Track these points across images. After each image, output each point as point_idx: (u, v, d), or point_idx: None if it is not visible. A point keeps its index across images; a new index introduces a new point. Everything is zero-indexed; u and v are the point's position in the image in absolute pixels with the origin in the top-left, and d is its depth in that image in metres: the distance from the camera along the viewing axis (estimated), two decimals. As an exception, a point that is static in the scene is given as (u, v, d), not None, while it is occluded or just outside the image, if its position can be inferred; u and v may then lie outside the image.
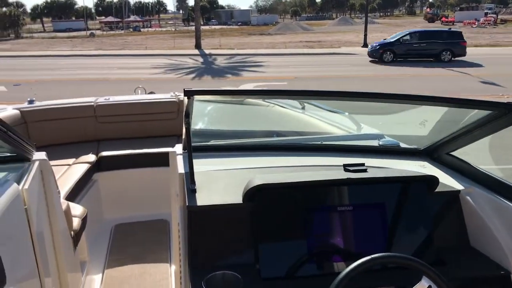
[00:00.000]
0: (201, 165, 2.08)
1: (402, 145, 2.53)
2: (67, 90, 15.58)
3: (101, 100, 4.71)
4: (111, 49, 34.56)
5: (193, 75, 19.54)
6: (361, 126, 3.20)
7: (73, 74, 19.86)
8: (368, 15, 35.92)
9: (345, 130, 3.25)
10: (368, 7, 35.96)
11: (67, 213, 2.70)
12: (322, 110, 3.78)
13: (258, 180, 1.75)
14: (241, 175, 2.00)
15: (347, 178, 1.79)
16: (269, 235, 1.71)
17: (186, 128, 1.94)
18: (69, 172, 3.77)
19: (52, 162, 4.00)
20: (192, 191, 1.85)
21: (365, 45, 31.34)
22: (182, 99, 4.74)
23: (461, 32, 22.96)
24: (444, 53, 22.04)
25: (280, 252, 1.69)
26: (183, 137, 2.14)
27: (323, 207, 1.76)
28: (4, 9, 59.48)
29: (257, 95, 2.99)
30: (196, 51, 30.76)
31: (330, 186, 1.79)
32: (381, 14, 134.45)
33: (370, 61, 22.94)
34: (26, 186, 1.98)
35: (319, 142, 2.61)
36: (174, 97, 4.85)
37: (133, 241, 3.84)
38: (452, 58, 22.12)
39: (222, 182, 1.97)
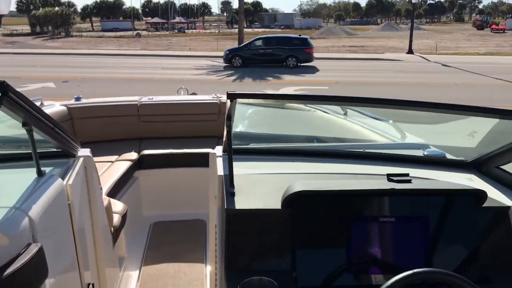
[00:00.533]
0: (240, 167, 2.07)
1: (448, 156, 2.44)
2: (112, 88, 16.02)
3: (145, 99, 4.80)
4: (156, 49, 35.31)
5: (234, 77, 19.67)
6: (405, 134, 3.10)
7: (118, 73, 20.39)
8: (414, 21, 35.18)
9: (388, 138, 3.16)
10: (414, 13, 35.21)
11: (108, 209, 2.75)
12: (365, 116, 3.69)
13: (298, 186, 1.72)
14: (280, 180, 1.97)
15: (391, 188, 1.73)
16: (308, 243, 1.67)
17: (227, 130, 1.93)
18: (111, 168, 3.86)
19: (95, 159, 4.09)
20: (231, 194, 1.84)
21: (410, 51, 30.72)
22: (223, 101, 4.76)
23: (307, 39, 23.03)
24: (289, 59, 22.16)
25: (318, 261, 1.65)
26: (224, 139, 2.14)
27: (364, 217, 1.71)
28: (56, 8, 61.79)
29: (300, 100, 2.94)
30: (239, 53, 30.96)
31: (372, 196, 1.74)
32: (428, 20, 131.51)
33: (225, 67, 22.89)
34: (70, 182, 2.02)
35: (361, 150, 2.54)
36: (215, 98, 4.88)
37: (170, 240, 3.88)
38: (298, 64, 22.21)
39: (261, 186, 1.95)
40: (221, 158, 2.21)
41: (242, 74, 20.46)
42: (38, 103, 4.11)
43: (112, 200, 3.03)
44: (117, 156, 4.17)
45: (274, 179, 2.03)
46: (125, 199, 3.67)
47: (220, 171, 2.03)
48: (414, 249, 1.69)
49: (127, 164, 3.95)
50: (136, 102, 4.72)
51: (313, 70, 21.88)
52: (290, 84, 16.95)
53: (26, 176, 1.93)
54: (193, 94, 5.58)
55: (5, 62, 23.74)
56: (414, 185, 1.78)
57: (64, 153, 2.24)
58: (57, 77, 18.58)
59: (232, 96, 1.76)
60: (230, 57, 22.78)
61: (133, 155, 4.17)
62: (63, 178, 2.01)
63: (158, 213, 4.25)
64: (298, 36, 23.92)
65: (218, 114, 4.77)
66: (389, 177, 1.84)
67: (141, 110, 4.68)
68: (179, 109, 4.77)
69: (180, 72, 20.64)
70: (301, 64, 22.52)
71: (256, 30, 75.56)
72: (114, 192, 3.49)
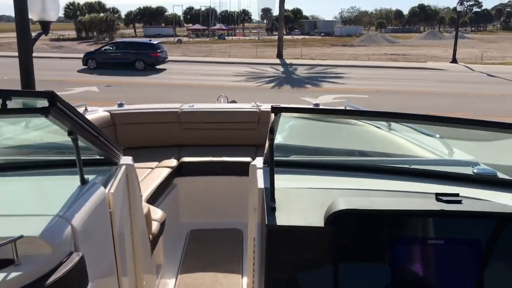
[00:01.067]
0: (280, 180, 2.01)
1: (500, 175, 2.32)
2: (152, 93, 16.32)
3: (186, 106, 4.84)
4: (196, 55, 35.79)
5: (272, 84, 19.69)
6: (453, 150, 2.97)
7: (159, 78, 20.79)
8: (459, 29, 34.26)
9: (435, 154, 3.03)
10: (459, 21, 34.28)
11: (148, 217, 2.77)
12: (410, 130, 3.58)
13: (342, 204, 1.65)
14: (322, 195, 1.91)
15: (441, 210, 1.65)
16: (350, 262, 1.62)
17: (269, 144, 1.90)
18: (151, 175, 3.90)
19: (136, 165, 4.16)
20: (272, 209, 1.79)
21: (454, 60, 29.93)
22: (263, 109, 4.77)
23: (153, 44, 25.04)
24: (137, 62, 24.07)
25: (361, 281, 1.60)
26: (266, 151, 2.10)
27: (411, 237, 1.64)
28: (101, 14, 63.69)
29: (348, 115, 2.85)
30: (277, 61, 31.02)
31: (420, 216, 1.66)
32: (473, 29, 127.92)
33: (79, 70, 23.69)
34: (112, 190, 2.03)
35: (407, 165, 2.44)
36: (255, 107, 4.87)
37: (207, 248, 3.88)
38: (146, 67, 24.01)
39: (302, 201, 1.89)
40: (261, 170, 2.17)
41: (282, 81, 20.46)
42: (82, 109, 4.21)
43: (151, 207, 3.05)
44: (157, 163, 4.21)
45: (316, 194, 1.97)
46: (163, 205, 3.69)
47: (261, 183, 1.99)
48: (464, 274, 1.61)
49: (166, 171, 3.99)
50: (177, 110, 4.76)
51: (161, 72, 23.58)
52: (329, 92, 16.79)
53: (69, 183, 1.95)
54: (233, 102, 5.60)
55: (52, 66, 24.60)
56: (465, 206, 1.69)
57: (107, 161, 2.27)
58: (100, 81, 19.11)
59: (277, 110, 1.72)
60: (86, 59, 24.78)
61: (173, 162, 4.21)
62: (105, 186, 2.03)
63: (195, 221, 4.26)
64: (147, 41, 26.16)
65: (257, 123, 4.77)
66: (438, 196, 1.75)
67: (182, 117, 4.73)
68: (219, 117, 4.80)
69: (219, 79, 20.83)
70: (157, 67, 24.58)
71: (295, 37, 75.54)
72: (153, 198, 3.52)
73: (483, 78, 22.63)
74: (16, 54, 4.78)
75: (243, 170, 4.20)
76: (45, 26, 4.90)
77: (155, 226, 2.94)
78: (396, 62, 31.07)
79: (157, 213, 3.13)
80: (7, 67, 19.49)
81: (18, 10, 4.67)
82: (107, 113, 4.53)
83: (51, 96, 1.50)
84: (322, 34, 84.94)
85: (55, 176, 2.21)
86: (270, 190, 1.86)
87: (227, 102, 5.62)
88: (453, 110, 13.37)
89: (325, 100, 15.19)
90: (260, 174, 2.13)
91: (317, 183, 2.13)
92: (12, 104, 1.59)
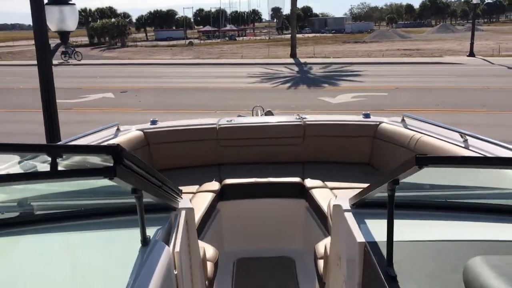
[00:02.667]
0: (374, 225, 1.65)
1: None
2: (169, 97, 16.18)
3: (223, 122, 4.51)
4: (209, 57, 35.67)
5: (288, 84, 19.42)
6: None
7: (173, 82, 20.65)
8: (471, 21, 33.60)
9: None
10: (475, 13, 33.67)
11: (203, 260, 2.48)
12: None
13: (487, 270, 1.26)
14: (450, 252, 1.49)
15: None
16: None
17: (390, 195, 1.49)
18: (194, 202, 3.55)
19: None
20: (391, 279, 1.38)
21: (471, 54, 29.36)
22: (308, 122, 4.42)
23: None
24: None
25: None
26: (360, 192, 1.77)
27: None
28: (113, 19, 63.96)
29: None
30: (291, 60, 30.73)
31: None
32: (485, 20, 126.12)
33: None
34: (177, 249, 1.78)
35: None
36: (299, 120, 4.49)
37: (257, 281, 3.55)
38: None
39: (425, 262, 1.48)
40: (350, 215, 1.78)
41: (298, 81, 20.19)
42: (114, 129, 3.99)
43: (205, 245, 2.75)
44: (197, 186, 3.91)
45: (441, 249, 1.55)
46: (208, 234, 3.42)
47: (359, 235, 1.60)
48: None
49: (209, 196, 3.67)
50: (214, 126, 4.44)
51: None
52: (347, 91, 16.48)
53: (130, 243, 1.71)
54: (269, 112, 5.28)
55: (68, 74, 24.64)
56: None
57: (166, 207, 2.03)
58: (115, 87, 19.03)
59: (423, 162, 1.34)
60: None
61: (215, 185, 3.90)
62: (168, 243, 1.77)
63: (241, 249, 3.92)
64: None
65: (302, 138, 4.41)
66: None
67: (220, 133, 4.40)
68: (260, 132, 4.43)
69: (234, 81, 20.62)
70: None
71: (306, 35, 75.11)
72: (199, 228, 3.19)
73: (504, 71, 22.10)
74: (32, 62, 4.58)
75: (291, 191, 3.91)
76: (64, 36, 4.71)
77: (209, 267, 2.62)
78: (411, 57, 30.58)
79: (209, 251, 2.80)
80: (24, 76, 19.52)
81: (36, 20, 4.49)
82: (140, 133, 4.27)
83: (117, 152, 1.21)
84: (332, 32, 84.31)
85: (113, 230, 1.92)
86: (387, 254, 1.45)
87: (263, 112, 5.35)
88: (477, 106, 12.99)
89: (344, 99, 14.89)
90: (351, 220, 1.74)
91: (436, 231, 1.71)
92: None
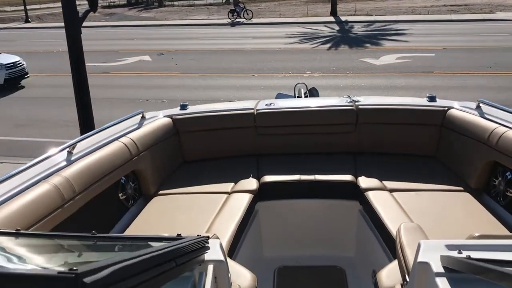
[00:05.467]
0: None
1: None
2: (205, 60, 15.84)
3: (262, 106, 4.00)
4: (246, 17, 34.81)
5: (329, 44, 18.64)
6: None
7: (210, 44, 20.21)
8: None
9: None
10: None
11: None
12: None
13: None
14: None
15: None
16: None
17: None
18: (229, 204, 3.15)
19: (206, 187, 3.42)
20: None
21: (525, 9, 27.39)
22: (362, 106, 3.86)
23: None
24: None
25: None
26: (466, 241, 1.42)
27: None
28: (149, -22, 63.31)
29: None
30: (331, 18, 29.55)
31: None
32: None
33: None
34: None
35: None
36: (350, 103, 3.89)
37: None
38: None
39: None
40: (444, 281, 1.33)
41: (339, 41, 19.38)
42: (139, 117, 3.68)
43: (240, 271, 2.33)
44: (232, 184, 3.47)
45: None
46: (246, 240, 3.07)
47: None
48: None
49: (246, 197, 3.23)
50: (252, 111, 3.94)
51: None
52: (391, 51, 15.65)
53: None
54: (313, 90, 4.79)
55: (106, 36, 24.61)
56: None
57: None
58: (152, 49, 18.82)
59: None
60: None
61: (252, 183, 3.43)
62: None
63: (282, 255, 3.52)
64: None
65: (355, 125, 3.84)
66: None
67: (258, 120, 3.90)
68: (304, 119, 3.90)
69: (271, 41, 19.98)
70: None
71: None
72: (236, 237, 2.82)
73: None
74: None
75: (341, 191, 3.42)
76: (93, 2, 4.41)
77: None
78: (459, 14, 28.82)
79: (246, 278, 2.31)
80: (59, 38, 19.50)
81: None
82: (169, 120, 3.86)
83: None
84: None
85: None
86: None
87: (307, 90, 4.85)
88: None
89: (388, 60, 14.15)
90: None
91: None
92: None
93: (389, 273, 2.24)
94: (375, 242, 2.96)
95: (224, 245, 2.61)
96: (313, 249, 3.51)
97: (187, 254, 1.31)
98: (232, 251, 2.69)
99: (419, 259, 1.49)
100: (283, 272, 3.40)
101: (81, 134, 5.49)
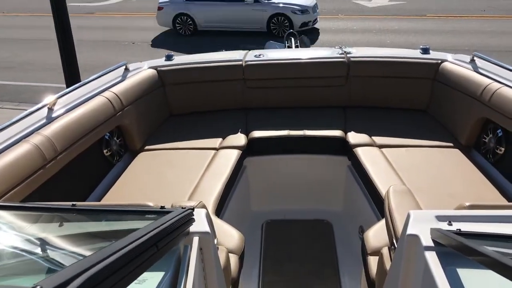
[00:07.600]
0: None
1: None
2: None
3: (251, 57, 3.86)
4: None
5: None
6: None
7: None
8: None
9: None
10: None
11: (227, 270, 1.97)
12: None
13: None
14: None
15: None
16: None
17: None
18: (217, 161, 3.08)
19: (193, 142, 3.34)
20: None
21: None
22: (353, 59, 3.72)
23: None
24: None
25: None
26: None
27: None
28: None
29: None
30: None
31: None
32: None
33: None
34: None
35: None
36: (342, 55, 3.74)
37: (289, 246, 3.18)
38: None
39: None
40: (434, 256, 1.28)
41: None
42: (122, 69, 3.51)
43: (228, 230, 2.28)
44: (220, 140, 3.39)
45: None
46: (234, 195, 3.04)
47: None
48: None
49: (234, 154, 3.15)
50: (240, 63, 3.79)
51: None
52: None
53: None
54: (304, 38, 4.59)
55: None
56: None
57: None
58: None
59: None
60: None
61: (241, 139, 3.34)
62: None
63: (270, 210, 3.51)
64: None
65: (345, 78, 3.71)
66: None
67: (247, 72, 3.77)
68: (294, 71, 3.76)
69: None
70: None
71: None
72: (224, 194, 2.78)
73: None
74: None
75: (330, 147, 3.36)
76: None
77: (233, 263, 2.12)
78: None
79: (233, 238, 2.28)
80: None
81: None
82: (154, 72, 3.70)
83: None
84: None
85: None
86: None
87: (297, 40, 4.67)
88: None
89: (380, 2, 13.81)
90: (435, 267, 1.23)
91: None
92: None
93: (377, 233, 2.24)
94: (363, 199, 2.95)
95: (211, 202, 2.60)
96: (301, 203, 3.51)
97: (171, 233, 1.22)
98: (220, 208, 2.67)
99: (408, 231, 1.44)
100: (271, 226, 3.41)
101: (65, 80, 5.31)
